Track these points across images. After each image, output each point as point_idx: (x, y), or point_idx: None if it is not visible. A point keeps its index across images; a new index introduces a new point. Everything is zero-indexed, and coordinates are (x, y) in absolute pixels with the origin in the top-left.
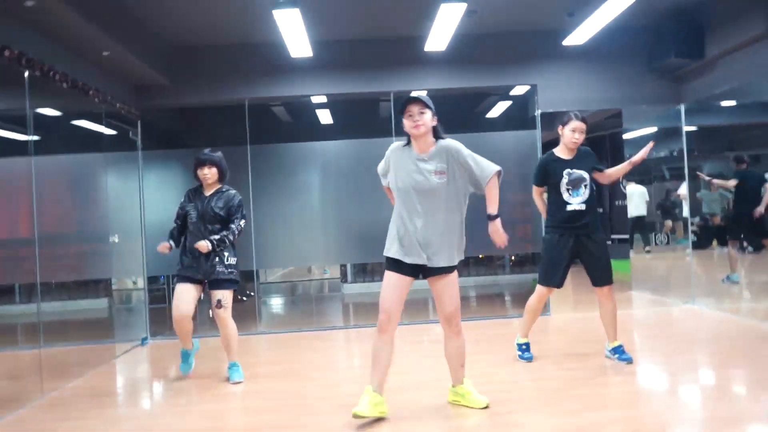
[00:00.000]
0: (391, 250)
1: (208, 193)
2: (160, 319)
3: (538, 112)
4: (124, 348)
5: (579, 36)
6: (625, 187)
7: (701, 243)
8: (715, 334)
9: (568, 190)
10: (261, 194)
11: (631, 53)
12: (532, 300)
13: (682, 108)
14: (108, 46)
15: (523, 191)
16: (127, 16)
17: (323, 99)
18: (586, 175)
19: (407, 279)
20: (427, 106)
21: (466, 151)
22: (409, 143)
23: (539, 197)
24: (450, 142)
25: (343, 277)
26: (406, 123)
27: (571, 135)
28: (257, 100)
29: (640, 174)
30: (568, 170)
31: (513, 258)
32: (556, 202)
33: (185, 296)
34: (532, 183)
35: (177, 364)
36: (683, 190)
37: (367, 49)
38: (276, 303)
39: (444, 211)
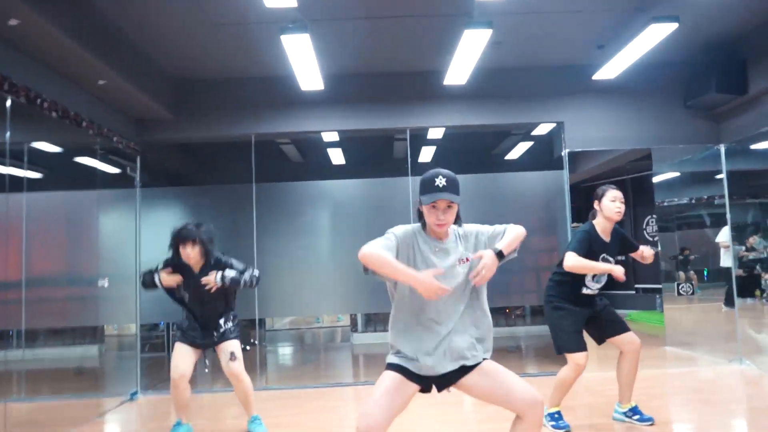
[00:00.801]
0: (393, 357)
1: (196, 268)
2: (155, 371)
3: (565, 151)
4: (111, 404)
5: (609, 70)
6: (652, 235)
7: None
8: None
9: (593, 277)
10: (265, 236)
11: (665, 89)
12: (567, 372)
13: (722, 148)
14: (105, 74)
15: (548, 235)
16: (127, 44)
17: (335, 137)
18: (613, 261)
19: (408, 388)
20: (456, 198)
21: (485, 228)
22: (423, 227)
23: (584, 260)
24: (470, 226)
25: (353, 326)
26: (429, 217)
27: (613, 205)
28: (264, 137)
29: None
30: (604, 255)
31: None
32: (572, 281)
33: (185, 355)
34: (571, 250)
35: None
36: (723, 237)
37: (382, 83)
38: (281, 354)
39: (466, 306)
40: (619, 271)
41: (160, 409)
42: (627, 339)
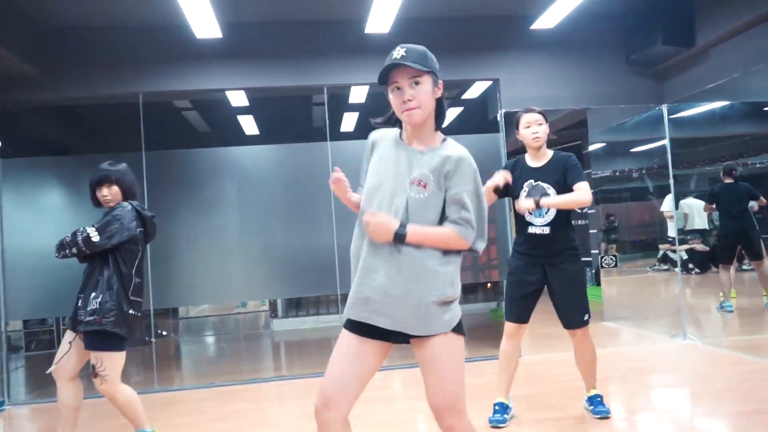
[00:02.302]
0: (349, 296)
1: None
2: (38, 373)
3: (501, 111)
4: None
5: (548, 19)
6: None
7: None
8: (714, 372)
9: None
10: (160, 213)
11: (607, 42)
12: (502, 345)
13: (665, 108)
14: None
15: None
16: None
17: (244, 101)
18: (552, 190)
19: (366, 343)
20: (423, 70)
21: (468, 172)
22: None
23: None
24: (461, 150)
25: (273, 312)
26: (393, 101)
27: (528, 132)
28: (154, 96)
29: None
30: (531, 181)
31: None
32: (518, 222)
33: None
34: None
35: None
36: (668, 206)
37: (294, 34)
38: (195, 346)
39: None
40: (494, 179)
41: (29, 425)
42: (570, 334)
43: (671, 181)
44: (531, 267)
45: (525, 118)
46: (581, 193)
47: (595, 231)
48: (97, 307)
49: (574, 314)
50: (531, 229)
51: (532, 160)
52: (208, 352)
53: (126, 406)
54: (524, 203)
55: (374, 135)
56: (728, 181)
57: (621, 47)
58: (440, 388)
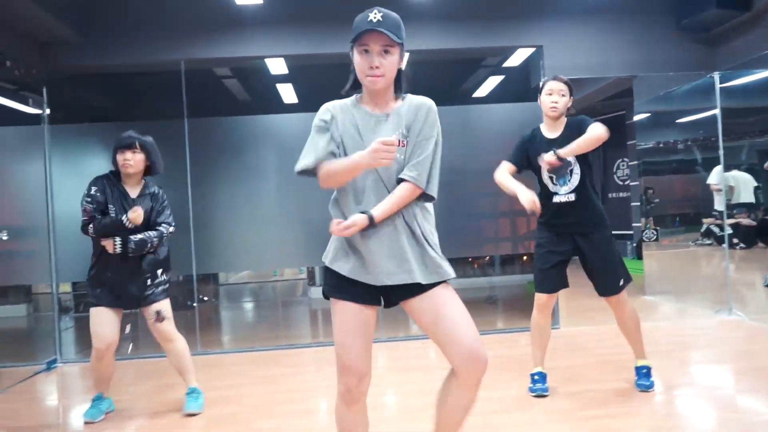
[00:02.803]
0: (340, 263)
1: (133, 193)
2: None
3: (544, 80)
4: (23, 374)
5: None
6: (622, 179)
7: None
8: (759, 349)
9: (551, 178)
10: (201, 181)
11: (658, 7)
12: (533, 316)
13: (716, 76)
14: None
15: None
16: None
17: (283, 68)
18: (572, 157)
19: (369, 310)
20: (395, 41)
21: (432, 119)
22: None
23: (505, 175)
24: (422, 99)
25: (310, 280)
26: (359, 64)
27: (548, 99)
28: (196, 62)
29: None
30: (544, 155)
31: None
32: (542, 193)
33: (106, 319)
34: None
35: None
36: (714, 178)
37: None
38: (234, 312)
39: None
40: (524, 198)
41: (82, 381)
42: (607, 302)
43: (721, 152)
44: (560, 238)
45: (549, 85)
46: (594, 129)
47: (637, 204)
48: (167, 278)
49: (609, 280)
50: (556, 198)
51: (548, 131)
52: (249, 317)
53: (182, 354)
54: (547, 157)
55: (330, 109)
56: None
57: (672, 11)
58: (469, 327)
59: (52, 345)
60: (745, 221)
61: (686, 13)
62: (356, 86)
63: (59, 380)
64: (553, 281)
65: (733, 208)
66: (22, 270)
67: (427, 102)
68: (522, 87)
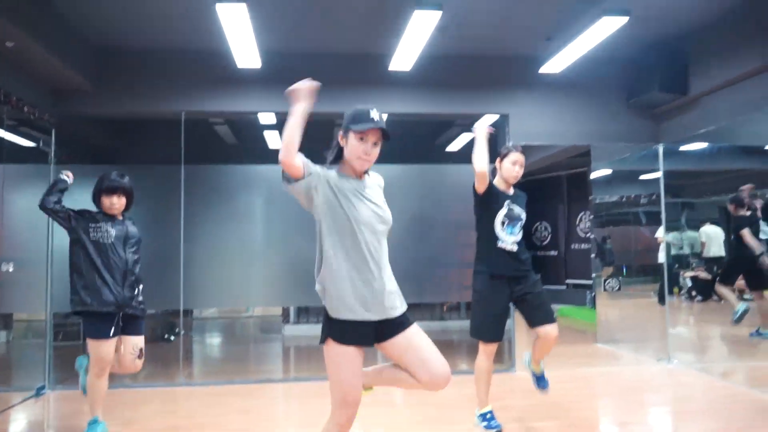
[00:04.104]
0: (345, 312)
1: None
2: (69, 362)
3: (509, 144)
4: (12, 400)
5: (556, 64)
6: (585, 231)
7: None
8: (700, 401)
9: (503, 222)
10: (194, 222)
11: (609, 85)
12: (480, 362)
13: (660, 148)
14: (13, 35)
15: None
16: (40, 3)
17: (272, 119)
18: (524, 215)
19: (363, 351)
20: (384, 140)
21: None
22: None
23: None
24: (375, 173)
25: (285, 317)
26: (355, 147)
27: (512, 168)
28: (195, 114)
29: (604, 216)
30: (507, 202)
31: (445, 306)
32: (486, 238)
33: (110, 342)
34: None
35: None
36: (661, 233)
37: (324, 64)
38: (208, 345)
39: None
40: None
41: (70, 407)
42: (544, 331)
43: (662, 211)
44: (501, 285)
45: (514, 156)
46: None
47: (593, 256)
48: (141, 296)
49: (548, 311)
50: (500, 244)
51: (504, 189)
52: (224, 352)
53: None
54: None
55: (327, 173)
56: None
57: (622, 91)
58: (438, 356)
59: (41, 371)
60: (702, 274)
61: (634, 93)
62: (337, 159)
63: (49, 406)
64: (500, 330)
65: (704, 262)
66: (18, 298)
67: (375, 174)
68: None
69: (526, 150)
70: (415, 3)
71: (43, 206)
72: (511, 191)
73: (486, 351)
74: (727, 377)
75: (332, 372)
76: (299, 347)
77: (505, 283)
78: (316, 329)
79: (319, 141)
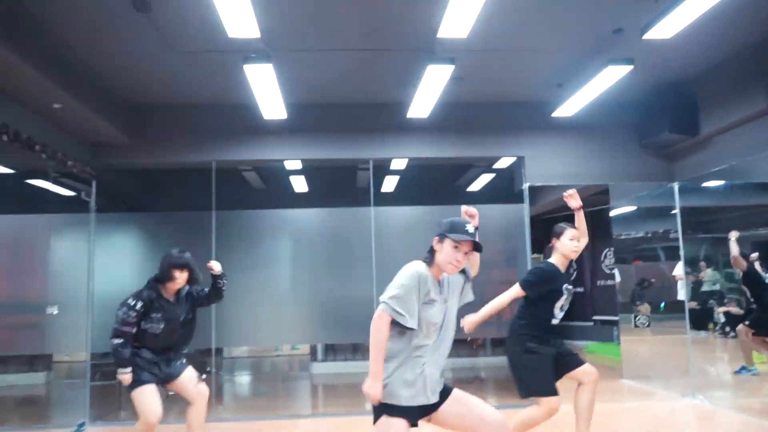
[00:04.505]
0: (413, 399)
1: (171, 298)
2: (106, 400)
3: (526, 185)
4: None
5: (568, 108)
6: (608, 267)
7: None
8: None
9: (562, 307)
10: (225, 264)
11: (621, 128)
12: (538, 416)
13: (676, 186)
14: (60, 98)
15: (509, 267)
16: (83, 68)
17: (298, 165)
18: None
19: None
20: (475, 251)
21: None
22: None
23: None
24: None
25: (313, 355)
26: (449, 253)
27: (571, 244)
28: (225, 164)
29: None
30: (567, 286)
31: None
32: (545, 313)
33: (154, 395)
34: (522, 287)
35: None
36: (679, 271)
37: (346, 114)
38: (237, 383)
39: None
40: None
41: None
42: (585, 370)
43: (681, 247)
44: (548, 347)
45: (572, 233)
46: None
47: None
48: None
49: (577, 357)
50: (553, 321)
51: (561, 267)
52: (255, 389)
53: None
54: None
55: (424, 272)
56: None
57: (634, 132)
58: (489, 408)
59: (81, 409)
60: (734, 309)
61: (646, 135)
62: (432, 257)
63: None
64: (555, 384)
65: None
66: (61, 340)
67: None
68: (508, 190)
69: (542, 191)
70: (428, 59)
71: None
72: (565, 269)
73: (550, 406)
74: (745, 411)
75: None
76: (327, 385)
77: (548, 346)
78: (342, 367)
79: (343, 185)
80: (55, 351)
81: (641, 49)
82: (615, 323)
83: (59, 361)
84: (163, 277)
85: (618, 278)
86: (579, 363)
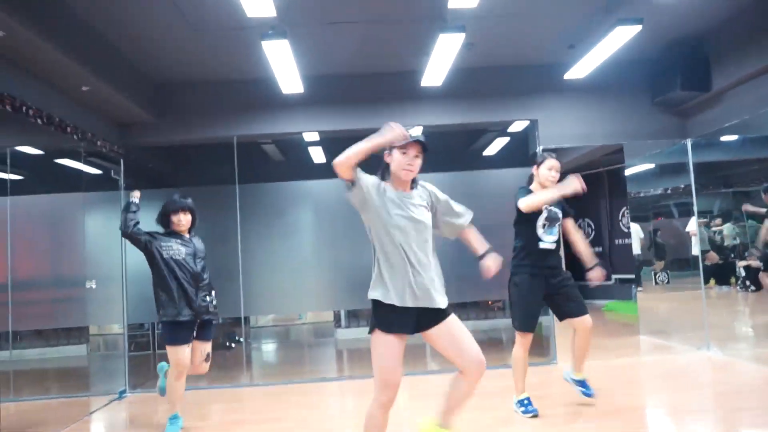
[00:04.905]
0: (390, 298)
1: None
2: (142, 370)
3: (539, 148)
4: (99, 402)
5: (580, 69)
6: (625, 226)
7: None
8: (735, 386)
9: (543, 225)
10: (250, 236)
11: (634, 87)
12: (517, 351)
13: (689, 143)
14: (88, 81)
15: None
16: (109, 51)
17: (316, 136)
18: (561, 215)
19: (405, 339)
20: (424, 153)
21: (441, 193)
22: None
23: (534, 195)
24: (426, 183)
25: (337, 322)
26: (399, 160)
27: (548, 173)
28: (246, 138)
29: (643, 210)
30: (547, 206)
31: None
32: (527, 238)
33: (187, 354)
34: (519, 198)
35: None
36: (692, 226)
37: (361, 84)
38: (266, 350)
39: (432, 249)
40: (574, 185)
41: (149, 407)
42: (580, 321)
43: (695, 206)
44: (540, 281)
45: (550, 162)
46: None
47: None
48: (215, 301)
49: (582, 303)
50: (541, 245)
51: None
52: (283, 356)
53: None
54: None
55: (379, 182)
56: None
57: (647, 91)
58: (474, 345)
59: (120, 377)
60: (755, 263)
61: (658, 92)
62: (386, 175)
63: (131, 407)
64: (535, 322)
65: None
66: (98, 312)
67: (428, 184)
68: (522, 153)
69: (558, 152)
70: (439, 28)
71: (125, 232)
72: None
73: (523, 342)
74: (760, 361)
75: (376, 358)
76: (351, 349)
77: (542, 279)
78: (365, 332)
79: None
80: (94, 323)
81: (651, 7)
82: (633, 281)
83: (93, 334)
84: (162, 222)
85: (641, 234)
86: (578, 313)
